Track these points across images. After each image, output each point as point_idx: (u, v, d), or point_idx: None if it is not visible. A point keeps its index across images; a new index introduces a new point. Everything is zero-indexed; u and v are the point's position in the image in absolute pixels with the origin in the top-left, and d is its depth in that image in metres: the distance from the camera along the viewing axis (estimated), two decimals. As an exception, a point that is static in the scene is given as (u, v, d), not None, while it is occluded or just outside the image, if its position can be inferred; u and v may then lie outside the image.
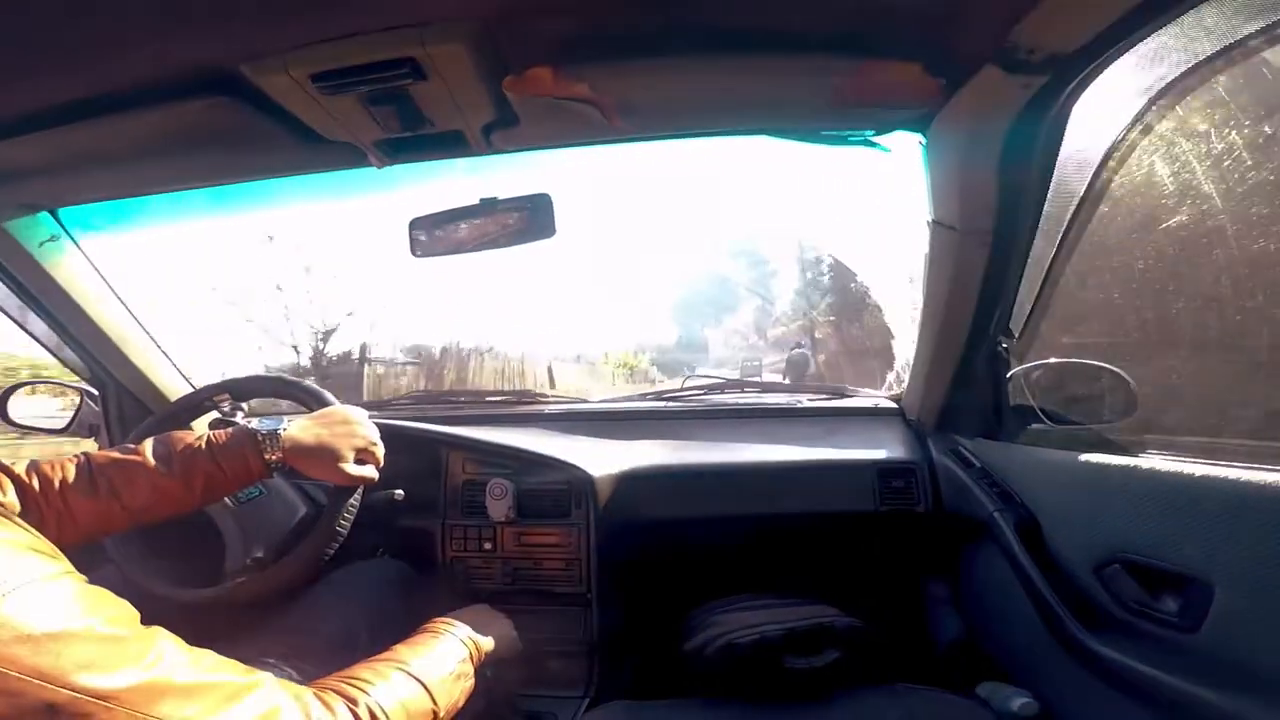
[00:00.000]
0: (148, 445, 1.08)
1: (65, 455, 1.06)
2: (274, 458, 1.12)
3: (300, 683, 0.82)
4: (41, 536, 0.70)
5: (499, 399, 2.23)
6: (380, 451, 1.24)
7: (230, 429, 1.14)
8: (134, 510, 1.05)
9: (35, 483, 1.00)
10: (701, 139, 1.31)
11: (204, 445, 1.09)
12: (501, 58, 0.95)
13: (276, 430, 1.13)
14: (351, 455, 1.18)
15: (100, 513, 1.03)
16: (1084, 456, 1.24)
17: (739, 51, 0.97)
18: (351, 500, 1.26)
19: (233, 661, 0.74)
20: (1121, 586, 1.11)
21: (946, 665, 1.56)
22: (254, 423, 1.15)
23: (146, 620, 0.70)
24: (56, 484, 1.01)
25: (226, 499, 1.35)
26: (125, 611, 0.68)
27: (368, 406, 2.16)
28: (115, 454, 1.07)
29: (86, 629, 0.60)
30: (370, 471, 1.21)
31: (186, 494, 1.08)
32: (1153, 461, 1.09)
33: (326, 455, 1.16)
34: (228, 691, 0.68)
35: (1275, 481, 0.87)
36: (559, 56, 0.96)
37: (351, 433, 1.20)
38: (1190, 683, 0.94)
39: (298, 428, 1.16)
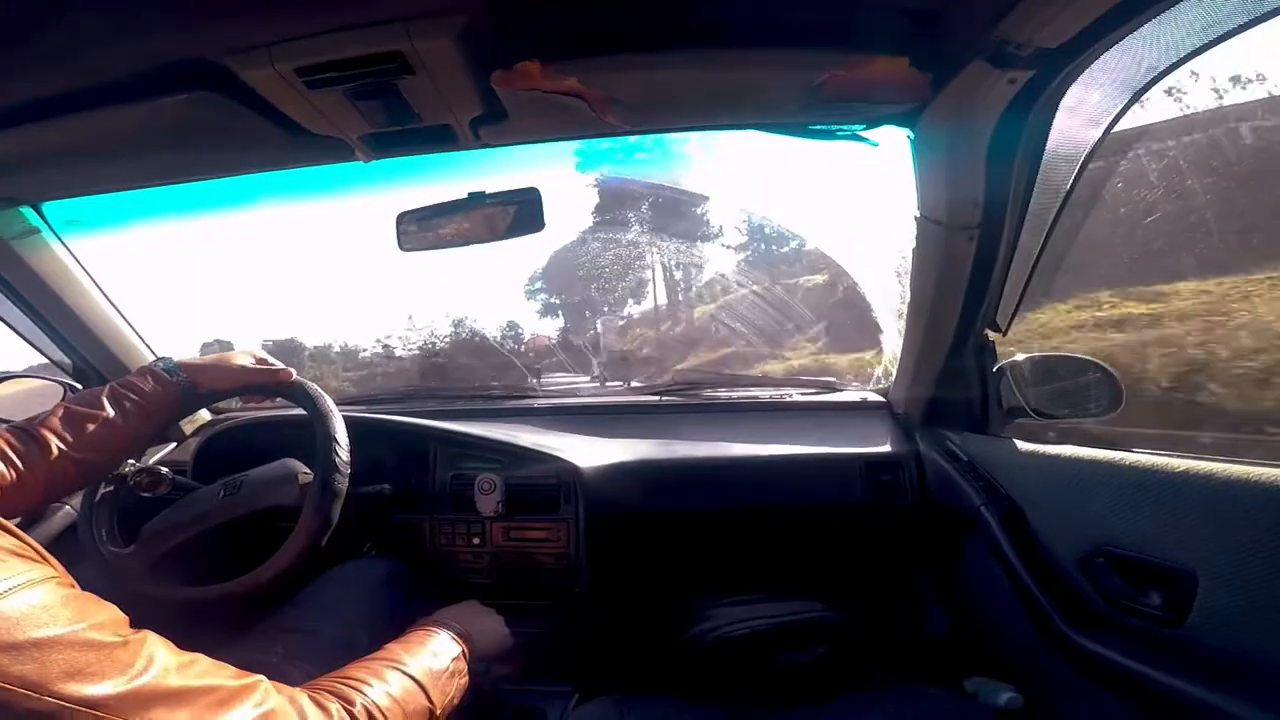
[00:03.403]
0: (65, 402, 1.14)
1: None
2: (178, 379, 1.21)
3: (298, 683, 0.81)
4: (25, 539, 0.68)
5: (486, 393, 2.22)
6: (271, 361, 1.33)
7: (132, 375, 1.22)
8: (80, 460, 1.08)
9: None
10: (689, 133, 1.31)
11: (119, 385, 1.17)
12: (489, 52, 0.95)
13: (172, 361, 1.24)
14: (250, 360, 1.31)
15: (54, 469, 1.05)
16: (1070, 450, 1.25)
17: (727, 46, 0.97)
18: (337, 432, 1.27)
19: (225, 665, 0.72)
20: (1106, 580, 1.12)
21: (934, 659, 1.57)
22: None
23: (136, 624, 0.69)
24: (7, 453, 1.02)
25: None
26: (113, 616, 0.66)
27: (352, 401, 2.16)
28: (37, 417, 1.10)
29: (72, 635, 0.59)
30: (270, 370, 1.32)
31: (122, 430, 1.13)
32: (1137, 455, 1.10)
33: (224, 364, 1.28)
34: (220, 696, 0.67)
35: (1259, 475, 0.88)
36: (548, 50, 0.95)
37: (237, 353, 1.31)
38: (1174, 676, 0.95)
39: (189, 359, 1.27)
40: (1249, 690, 0.86)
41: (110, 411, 1.12)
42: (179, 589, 1.28)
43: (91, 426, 1.09)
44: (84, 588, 0.68)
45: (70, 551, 1.14)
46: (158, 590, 1.28)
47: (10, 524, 0.68)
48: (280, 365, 1.33)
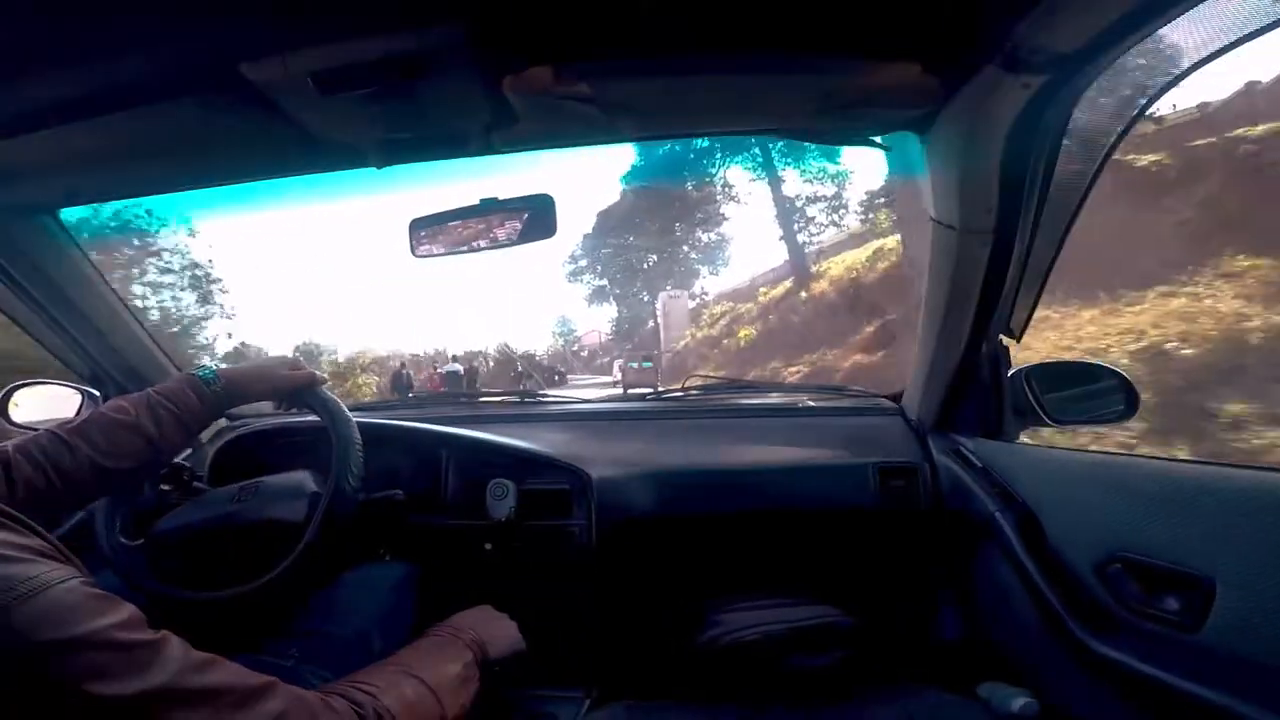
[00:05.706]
0: (102, 409, 1.13)
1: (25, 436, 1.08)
2: (215, 389, 1.21)
3: (314, 685, 0.81)
4: (48, 537, 0.69)
5: (499, 399, 2.23)
6: (305, 367, 1.34)
7: (171, 383, 1.21)
8: (112, 468, 1.09)
9: (24, 463, 1.00)
10: (703, 138, 1.31)
11: (157, 393, 1.17)
12: (502, 57, 0.95)
13: (211, 370, 1.23)
14: (284, 368, 1.32)
15: (85, 476, 1.06)
16: (1085, 456, 1.24)
17: (740, 52, 0.97)
18: (357, 441, 1.28)
19: (240, 666, 0.72)
20: (1123, 586, 1.11)
21: (947, 665, 1.56)
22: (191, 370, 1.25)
23: (155, 623, 0.69)
24: (39, 459, 1.02)
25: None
26: (133, 615, 0.66)
27: (369, 408, 2.17)
28: (74, 423, 1.10)
29: (94, 636, 0.59)
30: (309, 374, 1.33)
31: (157, 439, 1.13)
32: (1154, 461, 1.09)
33: (262, 373, 1.30)
34: (236, 697, 0.67)
35: (1277, 480, 0.87)
36: (560, 56, 0.95)
37: (277, 361, 1.33)
38: (1192, 682, 0.94)
39: (229, 367, 1.27)
40: (1267, 696, 0.85)
41: (146, 421, 1.12)
42: (181, 589, 1.29)
43: (126, 435, 1.10)
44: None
45: (79, 543, 1.15)
46: (160, 587, 1.28)
47: (38, 525, 0.69)
48: (317, 373, 1.34)
